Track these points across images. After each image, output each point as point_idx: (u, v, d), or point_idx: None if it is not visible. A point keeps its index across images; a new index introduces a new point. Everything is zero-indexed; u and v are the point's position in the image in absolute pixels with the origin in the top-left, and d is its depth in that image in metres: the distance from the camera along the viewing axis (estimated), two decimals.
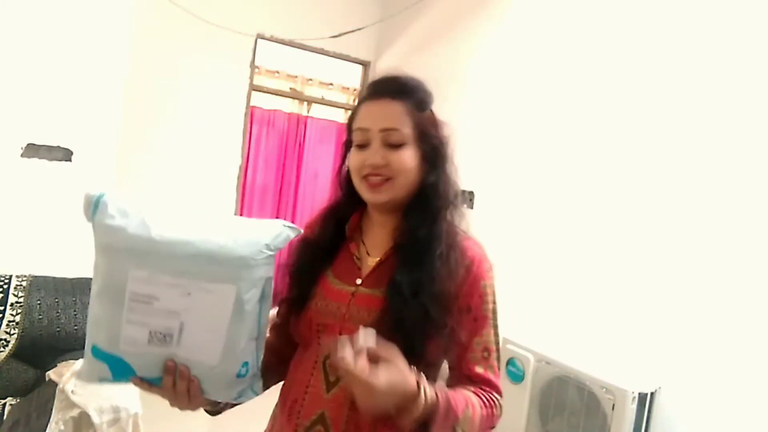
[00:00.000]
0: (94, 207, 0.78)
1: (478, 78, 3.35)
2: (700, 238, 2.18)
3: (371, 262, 0.99)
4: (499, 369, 0.95)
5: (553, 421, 2.26)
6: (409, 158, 0.93)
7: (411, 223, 0.95)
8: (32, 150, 2.63)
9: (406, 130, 0.92)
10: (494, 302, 0.96)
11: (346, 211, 1.04)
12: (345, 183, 1.04)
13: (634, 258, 2.40)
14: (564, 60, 2.82)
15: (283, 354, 1.04)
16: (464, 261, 0.94)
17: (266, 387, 1.04)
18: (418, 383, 0.80)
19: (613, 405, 2.03)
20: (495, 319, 0.96)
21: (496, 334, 0.95)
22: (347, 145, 1.02)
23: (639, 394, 2.04)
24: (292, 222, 0.89)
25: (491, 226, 3.00)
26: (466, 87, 3.38)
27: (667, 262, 2.27)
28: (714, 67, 2.19)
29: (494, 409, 0.91)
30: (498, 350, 0.96)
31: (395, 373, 0.77)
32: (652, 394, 2.09)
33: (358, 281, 0.97)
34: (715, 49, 2.19)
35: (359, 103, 0.99)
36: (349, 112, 4.24)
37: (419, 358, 0.84)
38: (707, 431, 2.07)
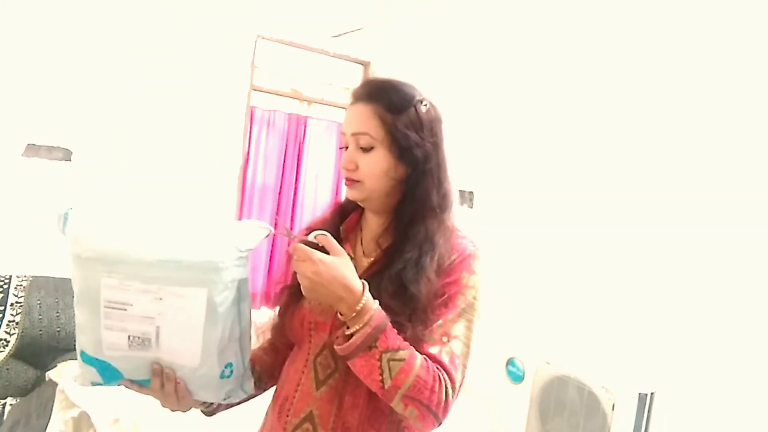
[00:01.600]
0: (63, 221, 0.82)
1: (478, 77, 3.34)
2: (698, 239, 2.18)
3: (365, 262, 0.99)
4: (459, 362, 0.87)
5: (553, 421, 2.26)
6: (376, 161, 0.94)
7: (394, 226, 0.97)
8: (32, 150, 2.63)
9: (375, 133, 0.93)
10: (474, 298, 0.92)
11: (350, 208, 1.06)
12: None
13: (634, 259, 2.40)
14: (565, 58, 2.82)
15: (285, 355, 1.05)
16: (450, 257, 0.93)
17: (267, 388, 1.05)
18: (364, 288, 0.82)
19: (613, 405, 2.03)
20: (470, 313, 0.91)
21: (468, 329, 0.90)
22: None
23: (639, 394, 2.04)
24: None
25: (491, 226, 3.00)
26: (465, 87, 3.38)
27: (667, 263, 2.27)
28: (713, 65, 2.19)
29: (437, 384, 0.82)
30: (465, 345, 0.89)
31: (341, 263, 0.82)
32: (652, 394, 2.09)
33: None
34: (713, 46, 2.20)
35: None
36: None
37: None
38: (707, 431, 2.07)
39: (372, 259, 0.98)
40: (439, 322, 0.88)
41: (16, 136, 2.60)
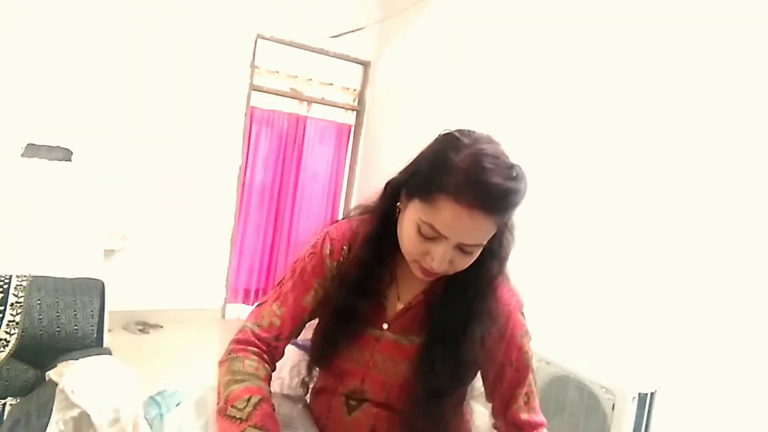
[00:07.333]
0: None
1: (478, 78, 3.34)
2: (699, 239, 2.18)
3: (398, 306, 0.97)
4: (538, 403, 0.99)
5: (553, 421, 2.26)
6: (472, 258, 0.89)
7: (447, 285, 0.95)
8: (32, 150, 2.63)
9: (485, 241, 0.89)
10: (530, 348, 0.98)
11: (382, 246, 0.95)
12: (387, 222, 0.93)
13: (634, 258, 2.40)
14: (566, 59, 2.82)
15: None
16: (500, 316, 0.94)
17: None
18: None
19: (613, 405, 2.03)
20: (532, 359, 0.99)
21: (533, 371, 0.99)
22: (407, 194, 0.89)
23: (639, 394, 2.04)
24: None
25: None
26: (465, 87, 3.38)
27: (667, 263, 2.27)
28: (716, 67, 2.19)
29: None
30: (535, 384, 0.99)
31: None
32: (652, 394, 2.09)
33: (385, 326, 0.96)
34: (715, 48, 2.19)
35: (445, 192, 0.81)
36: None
37: (446, 401, 0.92)
38: (707, 431, 2.07)
39: (406, 304, 0.96)
40: (519, 390, 0.96)
41: (16, 136, 2.60)
